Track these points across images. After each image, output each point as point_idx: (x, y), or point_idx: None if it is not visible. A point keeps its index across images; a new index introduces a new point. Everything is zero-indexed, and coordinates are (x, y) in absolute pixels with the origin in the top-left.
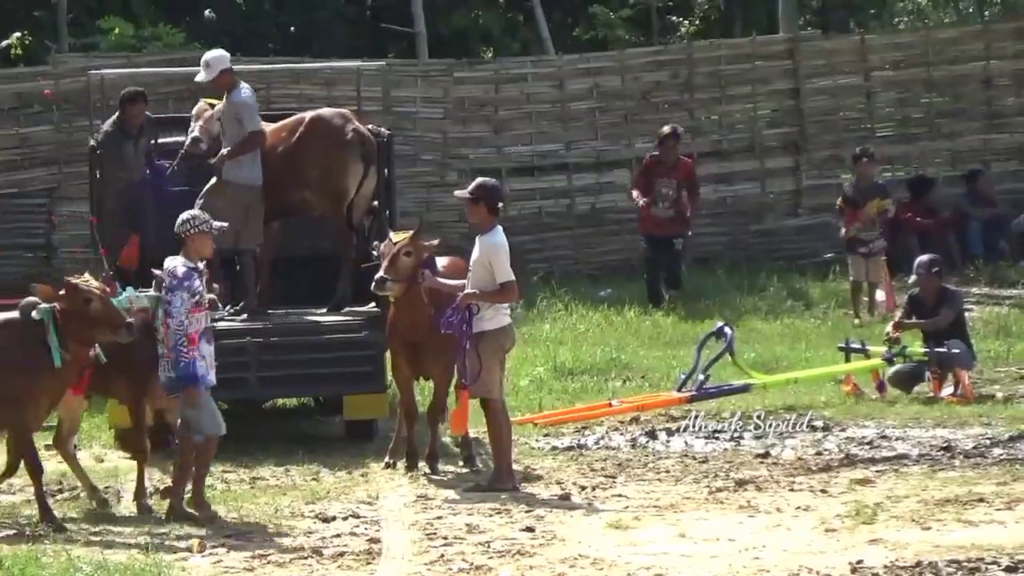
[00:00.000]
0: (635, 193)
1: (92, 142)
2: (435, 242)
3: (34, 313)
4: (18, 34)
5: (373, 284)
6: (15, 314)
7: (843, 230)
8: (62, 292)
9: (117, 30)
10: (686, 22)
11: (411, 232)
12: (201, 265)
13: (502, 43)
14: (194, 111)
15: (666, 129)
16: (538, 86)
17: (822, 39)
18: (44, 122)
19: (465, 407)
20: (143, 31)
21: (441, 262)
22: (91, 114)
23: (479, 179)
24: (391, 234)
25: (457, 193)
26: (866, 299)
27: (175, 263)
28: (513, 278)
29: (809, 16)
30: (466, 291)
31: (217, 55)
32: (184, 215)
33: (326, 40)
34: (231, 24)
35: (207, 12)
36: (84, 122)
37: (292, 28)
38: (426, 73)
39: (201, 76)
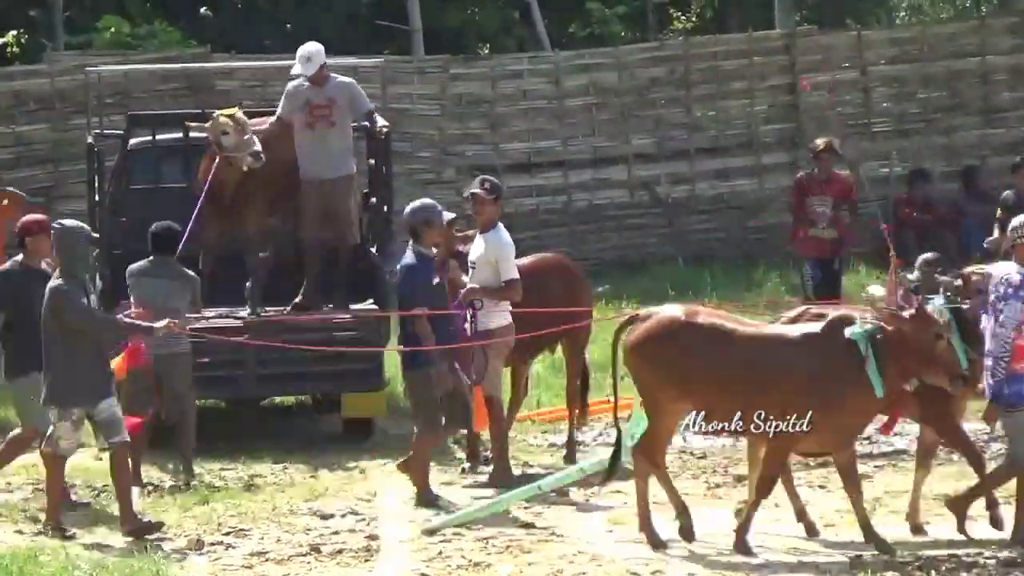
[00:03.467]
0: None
1: (90, 140)
2: (469, 233)
3: (848, 332)
4: (14, 32)
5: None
6: (814, 327)
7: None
8: (909, 316)
9: (113, 28)
10: (683, 18)
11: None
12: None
13: (498, 40)
14: (221, 126)
15: (820, 142)
16: (535, 83)
17: (819, 34)
18: (41, 121)
19: (481, 403)
20: (139, 29)
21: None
22: (88, 112)
23: (485, 176)
24: None
25: (474, 190)
26: None
27: (1008, 270)
28: (518, 276)
29: (805, 11)
30: (468, 287)
31: (318, 49)
32: (1016, 221)
33: (322, 37)
34: (227, 21)
35: (203, 9)
36: (81, 120)
37: (288, 25)
38: (422, 70)
39: (299, 69)
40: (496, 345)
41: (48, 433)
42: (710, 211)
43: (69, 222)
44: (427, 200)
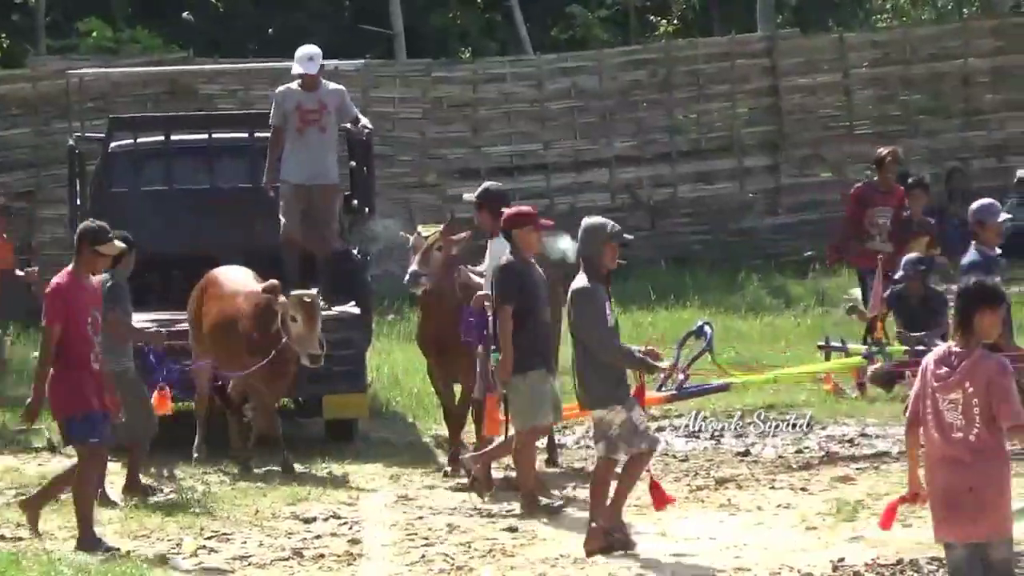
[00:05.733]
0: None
1: (71, 143)
2: (465, 235)
3: None
4: None
5: (406, 279)
6: None
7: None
8: None
9: (95, 32)
10: (664, 21)
11: (441, 227)
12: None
13: (480, 43)
14: (294, 308)
15: (884, 151)
16: (517, 86)
17: (800, 37)
18: (23, 125)
19: (493, 409)
20: (121, 33)
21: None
22: (70, 116)
23: (485, 183)
24: (419, 228)
25: (466, 196)
26: None
27: None
28: None
29: (787, 14)
30: (479, 293)
31: (319, 51)
32: None
33: (304, 41)
34: (209, 25)
35: (184, 14)
36: (63, 124)
37: (270, 29)
38: (404, 73)
39: (301, 68)
40: None
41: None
42: (692, 214)
43: (593, 219)
44: (987, 200)
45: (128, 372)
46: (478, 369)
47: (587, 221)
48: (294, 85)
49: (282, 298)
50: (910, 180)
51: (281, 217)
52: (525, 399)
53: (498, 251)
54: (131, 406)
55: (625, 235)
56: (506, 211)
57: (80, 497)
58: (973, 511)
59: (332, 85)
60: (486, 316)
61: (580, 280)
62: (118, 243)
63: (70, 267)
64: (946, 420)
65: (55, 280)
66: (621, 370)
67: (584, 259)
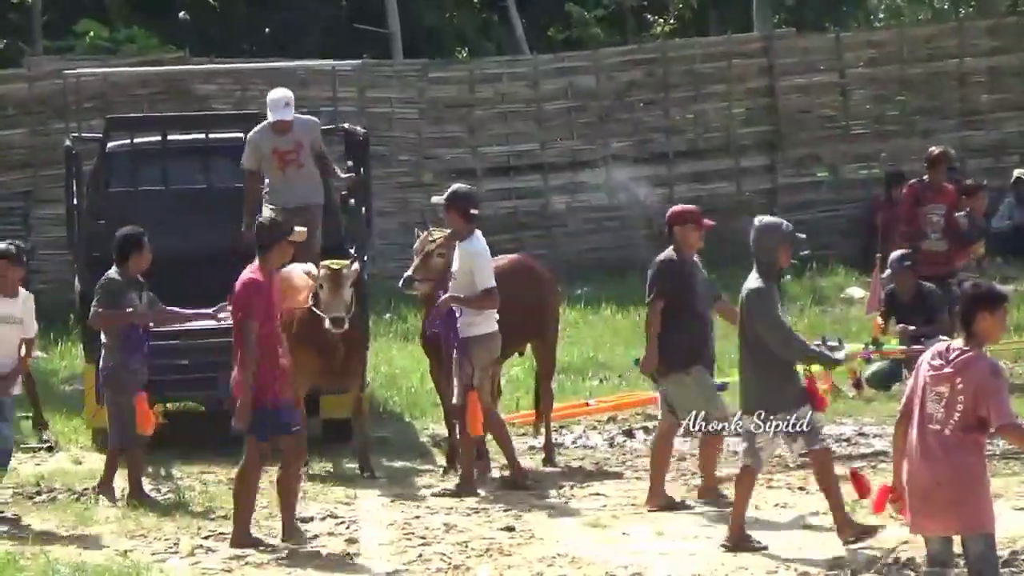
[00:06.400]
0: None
1: (68, 143)
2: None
3: None
4: None
5: (401, 283)
6: None
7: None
8: None
9: (92, 33)
10: (661, 21)
11: (447, 232)
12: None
13: (477, 43)
14: (321, 278)
15: (935, 150)
16: (513, 86)
17: (797, 37)
18: (19, 125)
19: (476, 408)
20: (117, 33)
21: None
22: (67, 116)
23: (454, 185)
24: (431, 229)
25: (434, 199)
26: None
27: None
28: (494, 284)
29: (784, 14)
30: (447, 294)
31: (291, 94)
32: None
33: (301, 41)
34: (205, 25)
35: (180, 14)
36: (59, 125)
37: (267, 29)
38: (401, 73)
39: (277, 115)
40: (479, 353)
41: (744, 446)
42: None
43: (768, 218)
44: None
45: (121, 371)
46: (456, 373)
47: (761, 220)
48: (267, 127)
49: (317, 271)
50: (969, 182)
51: None
52: (693, 394)
53: (467, 252)
54: (124, 407)
55: (798, 234)
56: (671, 209)
57: (237, 493)
58: (944, 505)
59: (304, 118)
60: (454, 317)
61: (754, 280)
62: (299, 228)
63: (258, 262)
64: (927, 411)
65: (248, 276)
66: (788, 375)
67: (758, 259)
